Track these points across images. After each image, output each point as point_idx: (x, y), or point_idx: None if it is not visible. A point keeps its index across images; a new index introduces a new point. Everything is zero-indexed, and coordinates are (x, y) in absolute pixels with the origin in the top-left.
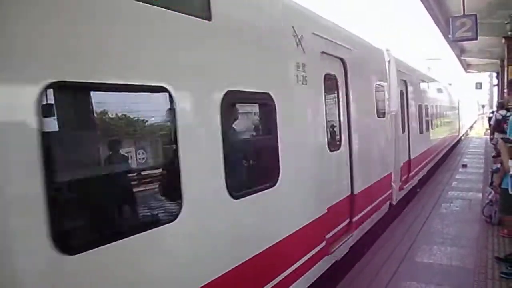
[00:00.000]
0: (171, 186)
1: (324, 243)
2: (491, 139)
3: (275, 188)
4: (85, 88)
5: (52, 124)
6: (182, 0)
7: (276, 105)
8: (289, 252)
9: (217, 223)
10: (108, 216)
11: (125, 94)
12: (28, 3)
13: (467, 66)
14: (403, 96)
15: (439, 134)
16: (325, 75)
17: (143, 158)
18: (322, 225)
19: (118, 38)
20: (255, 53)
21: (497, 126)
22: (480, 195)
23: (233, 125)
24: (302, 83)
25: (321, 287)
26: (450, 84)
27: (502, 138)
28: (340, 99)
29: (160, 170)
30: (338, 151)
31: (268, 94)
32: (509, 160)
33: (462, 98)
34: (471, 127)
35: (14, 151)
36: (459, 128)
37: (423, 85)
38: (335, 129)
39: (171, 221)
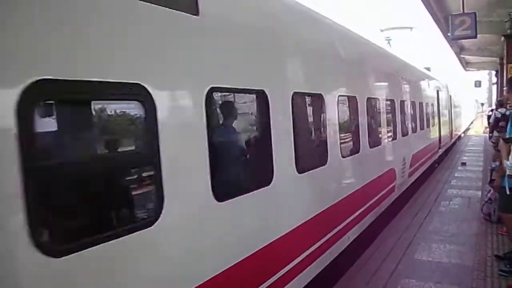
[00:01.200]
0: None
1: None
2: (490, 137)
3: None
4: None
5: None
6: None
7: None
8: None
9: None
10: None
11: None
12: None
13: (466, 64)
14: None
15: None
16: None
17: None
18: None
19: None
20: None
21: (496, 124)
22: (479, 193)
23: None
24: None
25: (321, 284)
26: (428, 69)
27: (503, 139)
28: None
29: None
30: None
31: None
32: (505, 161)
33: (452, 90)
34: (467, 129)
35: None
36: (440, 139)
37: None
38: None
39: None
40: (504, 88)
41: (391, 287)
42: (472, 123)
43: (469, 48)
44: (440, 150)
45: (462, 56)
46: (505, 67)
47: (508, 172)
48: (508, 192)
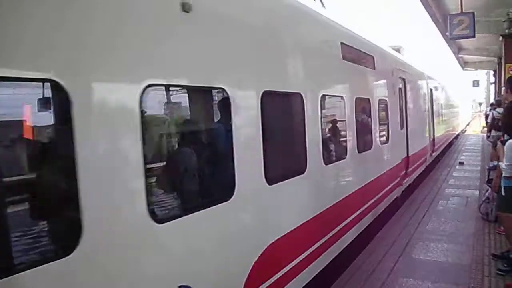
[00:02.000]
0: None
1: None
2: (488, 137)
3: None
4: None
5: None
6: None
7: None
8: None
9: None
10: None
11: None
12: None
13: (464, 64)
14: None
15: None
16: None
17: None
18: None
19: None
20: None
21: (493, 124)
22: (477, 192)
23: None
24: None
25: (319, 284)
26: (397, 50)
27: (500, 141)
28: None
29: None
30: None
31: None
32: (500, 163)
33: (434, 82)
34: (462, 131)
35: None
36: (407, 162)
37: None
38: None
39: None
40: (503, 88)
41: (389, 287)
42: (468, 124)
43: (467, 48)
44: (408, 178)
45: (460, 56)
46: (503, 66)
47: (504, 173)
48: (503, 193)
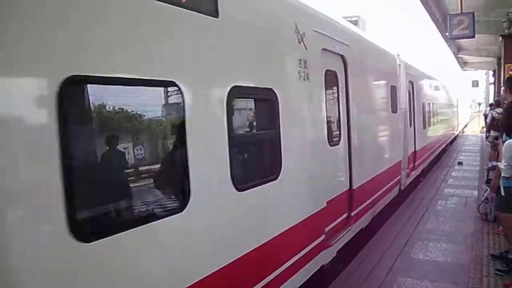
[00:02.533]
0: None
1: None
2: (487, 137)
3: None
4: None
5: None
6: None
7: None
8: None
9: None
10: None
11: None
12: None
13: (463, 64)
14: None
15: None
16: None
17: None
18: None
19: None
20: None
21: (492, 124)
22: (476, 192)
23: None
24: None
25: (318, 283)
26: (354, 23)
27: (503, 141)
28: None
29: None
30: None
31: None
32: (498, 163)
33: (413, 70)
34: (459, 134)
35: None
36: (350, 211)
37: None
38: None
39: None
40: (502, 88)
41: (387, 286)
42: (466, 126)
43: (467, 48)
44: (352, 226)
45: (459, 56)
46: (502, 67)
47: (502, 174)
48: (502, 193)
